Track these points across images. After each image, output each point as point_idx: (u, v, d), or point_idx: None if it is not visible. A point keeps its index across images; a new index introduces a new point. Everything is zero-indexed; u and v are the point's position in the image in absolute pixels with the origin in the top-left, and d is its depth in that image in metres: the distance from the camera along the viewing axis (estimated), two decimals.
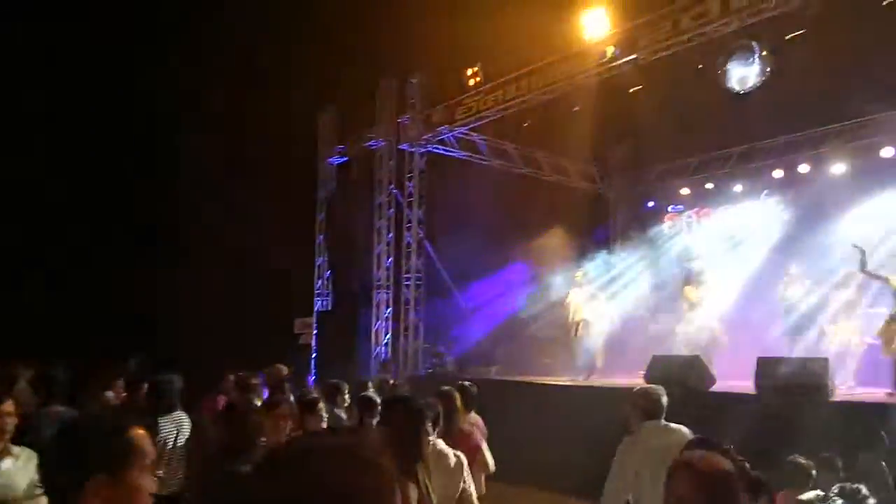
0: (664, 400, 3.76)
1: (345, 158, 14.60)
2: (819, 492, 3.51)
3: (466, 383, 5.12)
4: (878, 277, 7.59)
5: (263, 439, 3.35)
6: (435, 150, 13.25)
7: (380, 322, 13.47)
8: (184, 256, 11.79)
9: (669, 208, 13.81)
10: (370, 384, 6.88)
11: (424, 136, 13.06)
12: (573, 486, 6.78)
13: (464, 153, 13.28)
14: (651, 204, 14.42)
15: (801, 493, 3.70)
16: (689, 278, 10.79)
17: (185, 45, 11.80)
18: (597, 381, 9.61)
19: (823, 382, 6.60)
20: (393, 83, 13.27)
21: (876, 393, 7.42)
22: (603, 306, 10.68)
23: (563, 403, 8.33)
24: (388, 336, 13.41)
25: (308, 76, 12.28)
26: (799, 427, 5.79)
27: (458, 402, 4.43)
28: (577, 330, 10.21)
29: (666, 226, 13.61)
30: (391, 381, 10.04)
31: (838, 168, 11.37)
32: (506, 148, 13.50)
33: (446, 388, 4.56)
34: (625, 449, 3.79)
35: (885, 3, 7.96)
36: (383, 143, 13.60)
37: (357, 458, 0.90)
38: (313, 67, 11.94)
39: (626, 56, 9.85)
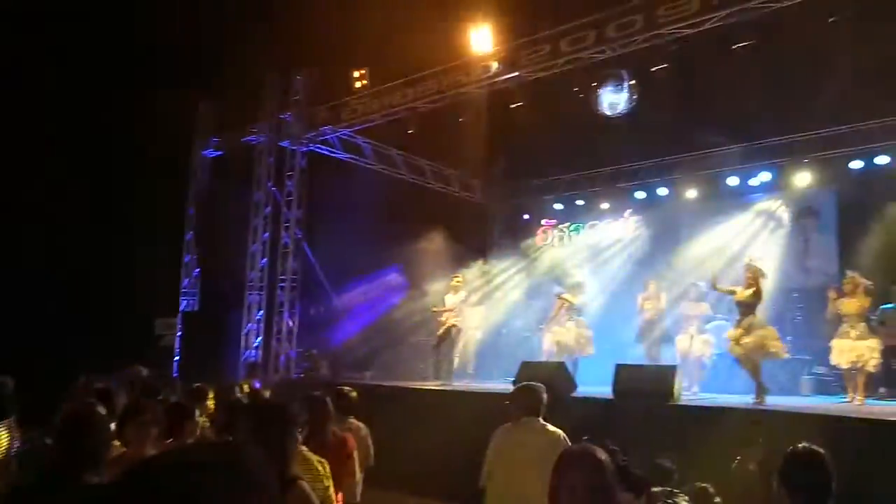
0: (544, 397, 3.93)
1: (221, 152, 13.93)
2: (667, 488, 3.80)
3: (346, 388, 5.05)
4: (727, 291, 8.41)
5: (119, 446, 3.11)
6: (317, 150, 12.99)
7: (251, 324, 12.95)
8: (36, 246, 10.64)
9: (543, 221, 14.46)
10: (236, 389, 6.58)
11: (307, 135, 12.77)
12: (447, 491, 6.87)
13: (347, 155, 13.12)
14: (527, 217, 15.03)
15: None
16: (559, 289, 11.35)
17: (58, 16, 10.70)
18: (468, 385, 9.83)
19: (672, 388, 7.20)
20: (276, 78, 12.87)
21: (717, 397, 8.22)
22: (476, 313, 10.96)
23: (436, 408, 8.43)
24: (259, 339, 12.92)
25: (189, 64, 11.57)
26: (651, 429, 6.27)
27: (330, 408, 4.34)
28: (449, 335, 10.40)
29: (539, 238, 14.24)
30: (253, 388, 9.63)
31: (691, 193, 12.50)
32: (390, 153, 13.50)
33: (317, 393, 4.46)
34: (501, 436, 3.90)
35: (734, 48, 8.86)
36: (263, 139, 13.13)
37: (241, 473, 0.83)
38: (196, 56, 11.27)
39: (508, 73, 10.24)
